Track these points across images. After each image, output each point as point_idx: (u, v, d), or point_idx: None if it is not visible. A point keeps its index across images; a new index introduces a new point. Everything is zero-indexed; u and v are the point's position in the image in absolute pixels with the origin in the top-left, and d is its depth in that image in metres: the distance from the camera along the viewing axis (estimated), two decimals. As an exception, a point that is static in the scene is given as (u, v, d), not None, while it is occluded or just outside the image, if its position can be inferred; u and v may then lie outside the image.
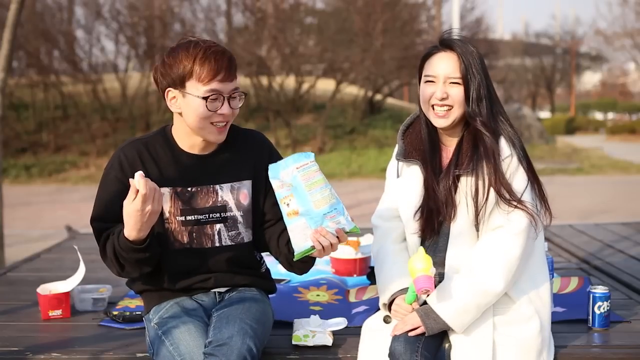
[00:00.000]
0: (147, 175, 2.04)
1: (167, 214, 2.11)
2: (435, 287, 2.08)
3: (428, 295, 2.02)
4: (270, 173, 1.97)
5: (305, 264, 2.09)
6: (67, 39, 16.67)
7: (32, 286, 2.87)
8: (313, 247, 1.93)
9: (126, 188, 2.04)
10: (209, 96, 2.00)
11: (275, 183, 1.96)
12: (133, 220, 1.89)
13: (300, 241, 1.93)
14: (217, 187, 2.15)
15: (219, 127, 2.05)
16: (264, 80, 16.19)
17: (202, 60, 1.99)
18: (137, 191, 1.86)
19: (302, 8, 18.56)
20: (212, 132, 2.06)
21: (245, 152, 2.20)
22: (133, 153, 2.11)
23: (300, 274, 2.18)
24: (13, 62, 11.79)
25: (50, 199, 11.63)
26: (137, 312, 2.58)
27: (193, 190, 2.13)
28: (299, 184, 1.91)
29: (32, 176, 14.28)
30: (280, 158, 2.22)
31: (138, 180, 1.85)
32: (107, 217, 2.08)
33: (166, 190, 2.10)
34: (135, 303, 2.78)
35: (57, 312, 2.65)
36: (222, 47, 2.05)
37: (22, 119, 16.45)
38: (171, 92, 2.06)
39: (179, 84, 2.03)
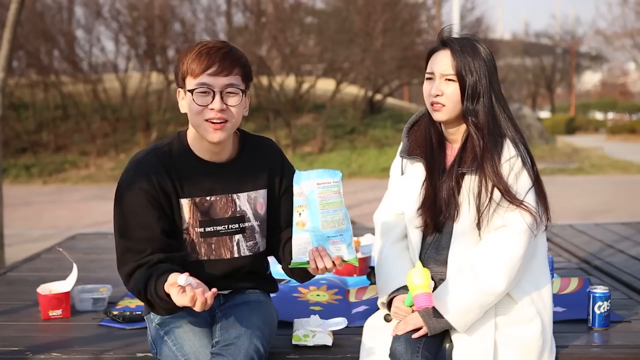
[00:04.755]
0: (167, 184, 2.01)
1: (185, 225, 2.08)
2: (437, 287, 2.08)
3: (427, 310, 2.02)
4: (294, 178, 1.95)
5: (306, 275, 2.06)
6: (67, 39, 16.65)
7: (32, 286, 2.87)
8: (308, 262, 1.92)
9: (154, 200, 2.00)
10: (195, 89, 1.97)
11: (295, 189, 1.93)
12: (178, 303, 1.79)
13: (299, 253, 1.92)
14: (235, 196, 2.11)
15: (214, 124, 1.99)
16: (264, 80, 16.19)
17: (196, 55, 1.98)
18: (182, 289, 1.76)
19: (302, 8, 18.55)
20: (208, 130, 2.00)
21: (259, 161, 2.17)
22: (154, 162, 2.04)
23: (301, 281, 2.17)
24: (13, 62, 11.79)
25: (50, 199, 11.63)
26: (137, 312, 2.58)
27: (212, 199, 2.09)
28: (315, 199, 1.89)
29: (32, 176, 14.28)
30: (291, 167, 2.22)
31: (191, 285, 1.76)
32: (138, 236, 1.99)
33: (185, 202, 2.06)
34: (135, 303, 2.78)
35: (57, 312, 2.65)
36: (224, 44, 2.02)
37: (22, 119, 16.44)
38: (180, 93, 2.06)
39: (182, 82, 2.03)
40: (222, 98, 1.98)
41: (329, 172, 1.91)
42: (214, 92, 1.97)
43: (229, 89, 1.99)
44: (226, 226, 2.10)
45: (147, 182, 2.01)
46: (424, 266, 2.01)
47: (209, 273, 2.11)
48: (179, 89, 2.06)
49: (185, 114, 2.06)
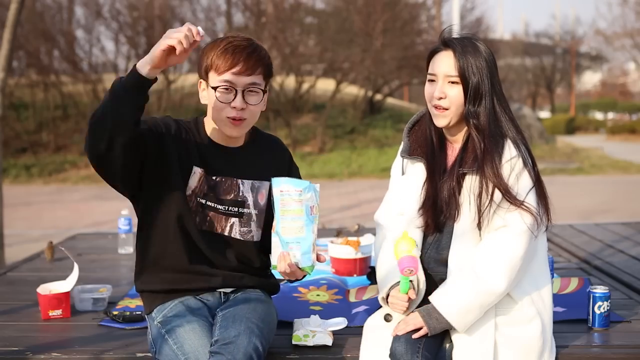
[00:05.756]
0: (180, 150, 2.10)
1: (189, 192, 2.12)
2: (437, 286, 2.08)
3: (413, 275, 1.97)
4: (272, 182, 2.06)
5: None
6: (67, 39, 16.67)
7: (32, 286, 2.87)
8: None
9: (168, 132, 2.09)
10: (218, 86, 2.04)
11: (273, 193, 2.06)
12: (164, 42, 1.83)
13: (274, 255, 2.03)
14: (239, 181, 2.18)
15: (234, 121, 2.08)
16: (264, 80, 16.16)
17: (221, 51, 2.04)
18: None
19: (302, 8, 18.55)
20: (227, 125, 2.10)
21: (267, 155, 2.25)
22: (174, 122, 2.16)
23: (291, 282, 2.18)
24: (13, 62, 11.79)
25: (50, 199, 11.63)
26: (137, 312, 2.58)
27: (217, 179, 2.16)
28: (277, 206, 2.01)
29: (32, 176, 14.27)
30: (297, 169, 2.32)
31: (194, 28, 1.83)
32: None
33: (198, 170, 2.13)
34: (135, 303, 2.78)
35: (57, 312, 2.65)
36: (250, 43, 2.08)
37: (22, 119, 16.43)
38: (202, 84, 2.13)
39: (204, 75, 2.10)
40: (243, 96, 2.06)
41: (297, 181, 2.01)
42: (236, 90, 2.05)
43: (251, 88, 2.07)
44: (226, 207, 2.17)
45: (165, 119, 2.15)
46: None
47: (199, 244, 2.14)
48: (201, 80, 2.13)
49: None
